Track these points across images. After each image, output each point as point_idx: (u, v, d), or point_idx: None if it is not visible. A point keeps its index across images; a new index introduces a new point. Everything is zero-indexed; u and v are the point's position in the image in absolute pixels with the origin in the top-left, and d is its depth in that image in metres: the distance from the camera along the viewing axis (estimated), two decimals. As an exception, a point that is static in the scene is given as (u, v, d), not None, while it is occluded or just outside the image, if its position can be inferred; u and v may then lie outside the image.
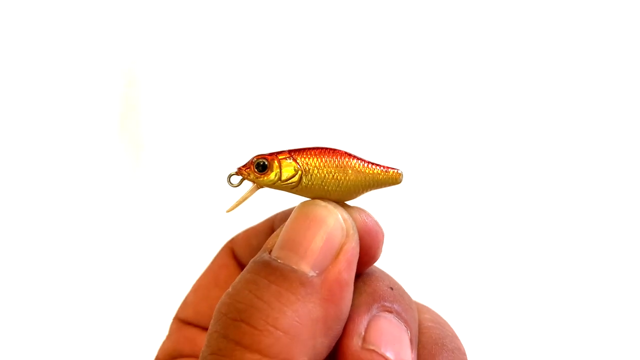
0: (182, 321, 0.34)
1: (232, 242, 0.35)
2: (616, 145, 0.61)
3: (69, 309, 0.55)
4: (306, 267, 0.25)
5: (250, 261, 0.26)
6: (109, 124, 0.58)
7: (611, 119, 0.61)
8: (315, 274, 0.25)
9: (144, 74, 0.60)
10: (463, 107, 0.62)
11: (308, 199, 0.29)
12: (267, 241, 0.27)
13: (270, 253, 0.26)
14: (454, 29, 0.62)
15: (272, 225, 0.33)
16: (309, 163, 0.27)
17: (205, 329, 0.33)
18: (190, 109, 0.60)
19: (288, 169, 0.27)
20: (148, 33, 0.61)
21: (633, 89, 0.61)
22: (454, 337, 0.29)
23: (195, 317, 0.34)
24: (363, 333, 0.26)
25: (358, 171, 0.28)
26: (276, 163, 0.27)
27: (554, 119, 0.61)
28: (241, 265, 0.34)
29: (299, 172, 0.27)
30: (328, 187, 0.27)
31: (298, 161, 0.27)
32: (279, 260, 0.25)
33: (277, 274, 0.24)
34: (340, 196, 0.28)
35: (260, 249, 0.33)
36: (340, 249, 0.25)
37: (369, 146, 0.56)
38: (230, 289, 0.25)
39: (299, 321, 0.23)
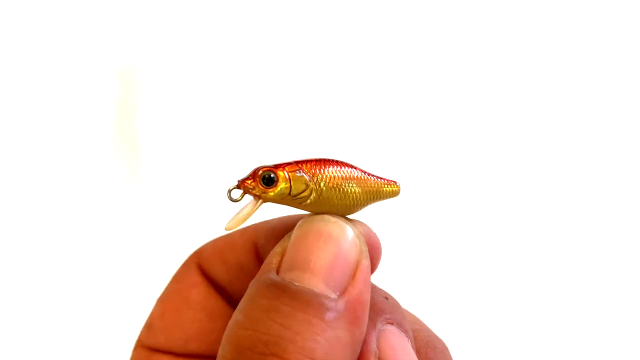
0: (151, 349, 0.30)
1: (198, 257, 0.32)
2: (614, 157, 0.61)
3: (61, 316, 0.52)
4: (327, 290, 0.23)
5: (258, 283, 0.24)
6: (104, 130, 0.56)
7: (609, 129, 0.62)
8: (336, 296, 0.23)
9: (141, 78, 0.57)
10: (453, 118, 0.61)
11: (307, 212, 0.27)
12: (268, 260, 0.25)
13: (278, 274, 0.24)
14: (450, 40, 0.62)
15: (253, 240, 0.30)
16: (318, 176, 0.25)
17: (180, 355, 0.30)
18: (188, 114, 0.58)
19: (298, 182, 0.25)
20: (145, 36, 0.59)
21: (633, 89, 0.62)
22: (438, 337, 0.30)
23: (168, 343, 0.30)
24: (377, 351, 0.25)
25: (363, 184, 0.27)
26: (285, 176, 0.25)
27: (550, 131, 0.62)
28: (214, 284, 0.31)
29: (310, 186, 0.25)
30: (335, 201, 0.26)
31: (308, 174, 0.25)
32: (295, 283, 0.23)
33: (300, 299, 0.22)
34: (344, 210, 0.26)
35: (240, 266, 0.30)
36: (357, 267, 0.24)
37: (358, 156, 0.55)
38: (242, 318, 0.23)
39: (332, 349, 0.22)
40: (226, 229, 0.25)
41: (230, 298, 0.31)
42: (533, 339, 0.56)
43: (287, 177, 0.25)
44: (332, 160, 0.26)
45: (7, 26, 0.56)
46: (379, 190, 0.27)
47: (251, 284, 0.24)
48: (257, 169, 0.25)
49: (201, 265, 0.32)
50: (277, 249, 0.25)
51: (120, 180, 0.57)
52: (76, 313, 0.53)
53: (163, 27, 0.59)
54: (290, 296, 0.22)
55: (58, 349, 0.52)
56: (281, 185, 0.25)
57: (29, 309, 0.53)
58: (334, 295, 0.23)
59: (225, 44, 0.60)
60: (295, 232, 0.25)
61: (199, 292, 0.31)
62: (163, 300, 0.31)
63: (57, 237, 0.54)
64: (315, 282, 0.23)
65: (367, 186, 0.27)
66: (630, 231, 0.60)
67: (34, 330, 0.52)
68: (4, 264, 0.53)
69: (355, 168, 0.27)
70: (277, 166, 0.25)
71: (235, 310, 0.24)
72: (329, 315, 0.22)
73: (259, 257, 0.30)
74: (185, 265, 0.32)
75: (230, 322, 0.23)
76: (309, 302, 0.22)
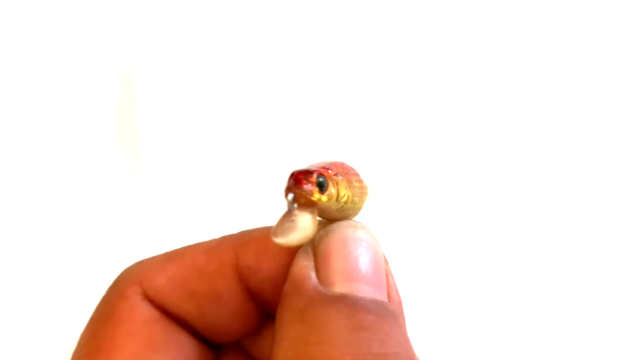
0: None
1: (142, 288, 0.26)
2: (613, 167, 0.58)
3: (60, 320, 0.51)
4: (382, 296, 0.23)
5: (321, 302, 0.21)
6: (105, 131, 0.56)
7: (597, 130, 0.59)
8: (387, 302, 0.23)
9: (142, 79, 0.57)
10: (424, 121, 0.58)
11: (317, 219, 0.25)
12: (302, 276, 0.22)
13: (328, 288, 0.22)
14: (429, 45, 0.60)
15: (231, 263, 0.26)
16: (351, 180, 0.24)
17: None
18: (188, 114, 0.57)
19: (341, 187, 0.23)
20: (146, 36, 0.58)
21: (633, 89, 0.60)
22: None
23: None
24: None
25: (364, 187, 0.27)
26: (333, 179, 0.22)
27: (532, 133, 0.59)
28: (174, 317, 0.26)
29: (348, 191, 0.24)
30: (357, 205, 0.25)
31: (344, 178, 0.24)
32: (359, 295, 0.22)
33: (375, 311, 0.21)
34: (353, 216, 0.26)
35: (216, 295, 0.26)
36: (387, 271, 0.24)
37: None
38: (326, 346, 0.20)
39: (414, 353, 0.22)
40: (283, 245, 0.21)
41: (195, 332, 0.27)
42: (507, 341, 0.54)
43: (336, 180, 0.23)
44: (345, 163, 0.25)
45: (9, 27, 0.56)
46: (366, 194, 0.28)
47: (302, 308, 0.21)
48: (310, 172, 0.21)
49: (150, 298, 0.26)
50: (305, 262, 0.23)
51: (121, 180, 0.55)
52: (73, 312, 0.51)
53: (163, 27, 0.58)
54: (365, 309, 0.21)
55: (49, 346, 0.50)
56: (330, 190, 0.22)
57: (23, 303, 0.51)
58: (387, 301, 0.23)
59: (225, 45, 0.59)
60: (326, 241, 0.23)
61: (162, 329, 0.26)
62: (114, 350, 0.25)
63: (56, 235, 0.53)
64: (373, 291, 0.22)
65: (367, 189, 0.27)
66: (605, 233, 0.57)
67: (25, 324, 0.51)
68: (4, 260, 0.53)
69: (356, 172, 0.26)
70: (324, 168, 0.22)
71: (293, 343, 0.21)
72: (400, 321, 0.22)
73: (242, 281, 0.26)
74: (124, 301, 0.26)
75: (296, 357, 0.21)
76: (381, 312, 0.22)
